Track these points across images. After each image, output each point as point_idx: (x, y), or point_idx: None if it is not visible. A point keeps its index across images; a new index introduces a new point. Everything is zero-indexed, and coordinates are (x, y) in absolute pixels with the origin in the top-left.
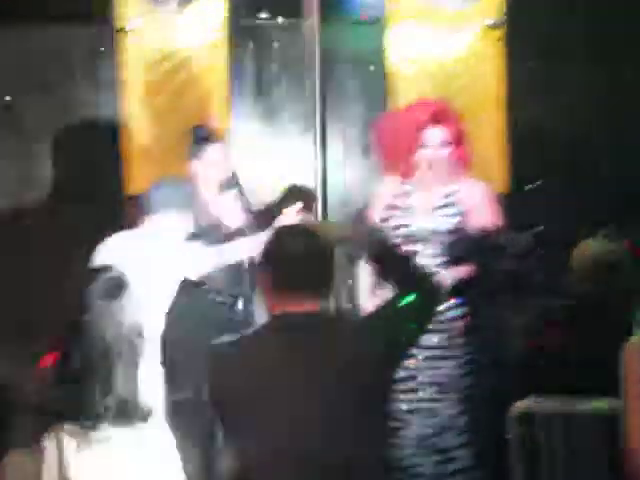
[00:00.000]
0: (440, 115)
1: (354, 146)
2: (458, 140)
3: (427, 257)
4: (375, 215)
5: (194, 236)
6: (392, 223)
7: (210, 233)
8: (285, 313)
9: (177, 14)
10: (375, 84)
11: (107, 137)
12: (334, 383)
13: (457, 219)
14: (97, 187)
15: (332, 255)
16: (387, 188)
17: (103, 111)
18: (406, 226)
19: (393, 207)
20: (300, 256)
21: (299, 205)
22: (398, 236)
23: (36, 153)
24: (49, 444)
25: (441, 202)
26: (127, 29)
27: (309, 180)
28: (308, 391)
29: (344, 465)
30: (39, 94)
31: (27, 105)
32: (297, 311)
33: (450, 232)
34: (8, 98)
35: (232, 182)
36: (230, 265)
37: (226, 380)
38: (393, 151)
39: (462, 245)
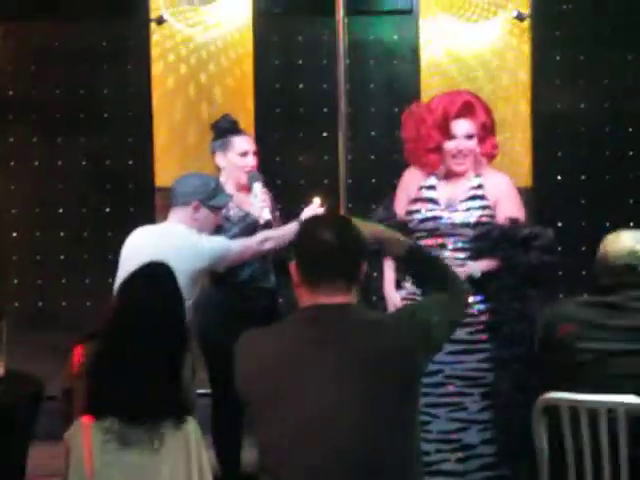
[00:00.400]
0: (467, 107)
1: (380, 138)
2: (485, 132)
3: (452, 250)
4: (400, 208)
5: (221, 228)
6: (417, 216)
7: (238, 225)
8: (316, 305)
9: (205, 7)
10: (403, 76)
11: (138, 129)
12: (364, 376)
13: (482, 212)
14: (128, 179)
15: (363, 246)
16: (414, 180)
17: (133, 104)
18: (431, 219)
19: (418, 200)
20: (331, 247)
21: (319, 199)
22: (423, 229)
23: (66, 144)
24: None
25: (466, 195)
26: (156, 22)
27: (333, 173)
28: (338, 383)
29: (373, 459)
30: (70, 86)
31: (58, 97)
32: (328, 303)
33: (475, 225)
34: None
35: (259, 174)
36: (257, 257)
37: (256, 369)
38: (420, 143)
39: (487, 238)
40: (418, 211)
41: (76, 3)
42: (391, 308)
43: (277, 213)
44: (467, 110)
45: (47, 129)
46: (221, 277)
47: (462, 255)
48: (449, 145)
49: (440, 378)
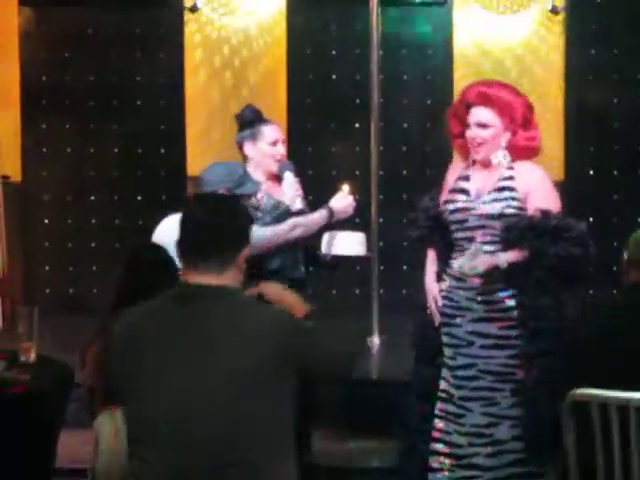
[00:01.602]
0: (482, 96)
1: (412, 130)
2: (515, 125)
3: (481, 243)
4: (441, 198)
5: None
6: (449, 207)
7: (270, 214)
8: (185, 283)
9: None
10: (435, 67)
11: (170, 117)
12: (219, 359)
13: (509, 203)
14: (160, 166)
15: (242, 229)
16: (454, 171)
17: (166, 92)
18: (460, 210)
19: (453, 190)
20: (203, 226)
21: (348, 187)
22: (454, 221)
23: (99, 132)
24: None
25: (495, 186)
26: (190, 10)
27: (365, 164)
28: (192, 364)
29: (230, 448)
30: (103, 74)
31: (91, 84)
32: (196, 282)
33: (500, 216)
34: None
35: (290, 163)
36: (287, 245)
37: (121, 346)
38: (452, 132)
39: (514, 229)
40: (450, 202)
41: None
42: (430, 300)
43: (305, 202)
44: (483, 99)
45: (80, 116)
46: (250, 267)
47: (492, 248)
48: (467, 133)
49: (474, 372)
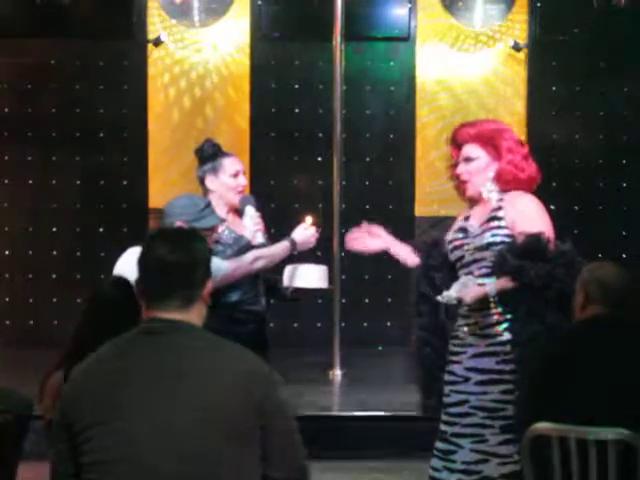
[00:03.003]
0: (469, 132)
1: (375, 164)
2: (496, 153)
3: (478, 276)
4: (446, 238)
5: (212, 250)
6: (449, 246)
7: (231, 247)
8: (148, 318)
9: (202, 30)
10: (398, 102)
11: (133, 150)
12: (190, 397)
13: (499, 232)
14: (122, 199)
15: (204, 265)
16: (461, 213)
17: (129, 124)
18: (458, 248)
19: (455, 230)
20: (165, 263)
21: (311, 218)
22: (454, 259)
23: (62, 164)
24: None
25: (485, 218)
26: (154, 44)
27: (328, 197)
28: (153, 401)
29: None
30: (67, 106)
31: (54, 117)
32: (159, 317)
33: (493, 245)
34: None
35: (252, 197)
36: (248, 278)
37: (94, 383)
38: (453, 177)
39: (499, 254)
40: (450, 241)
41: (74, 22)
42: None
43: (267, 236)
44: (467, 136)
45: (42, 147)
46: (210, 299)
47: (488, 280)
48: (455, 171)
49: (466, 408)
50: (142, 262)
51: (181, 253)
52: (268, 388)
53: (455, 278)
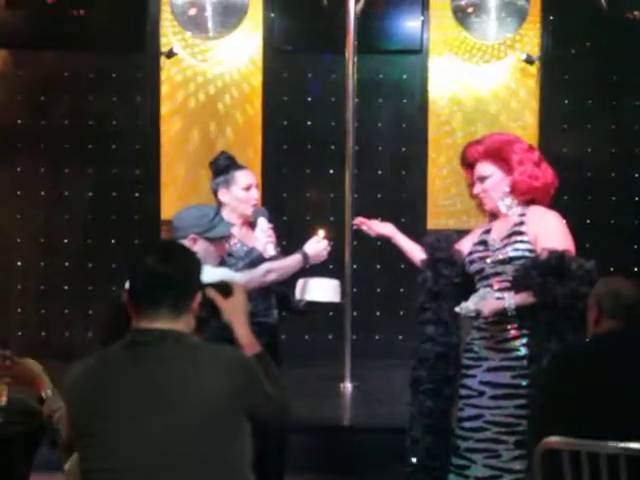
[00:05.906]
0: (479, 150)
1: (387, 177)
2: (508, 166)
3: (498, 290)
4: (458, 248)
5: (223, 262)
6: (468, 258)
7: (243, 260)
8: (136, 329)
9: (215, 43)
10: (411, 115)
11: (145, 162)
12: (166, 403)
13: (521, 246)
14: (134, 211)
15: (194, 277)
16: (480, 227)
17: (142, 136)
18: (477, 261)
19: (475, 243)
20: (154, 274)
21: (323, 232)
22: (474, 271)
23: (74, 175)
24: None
25: (507, 232)
26: (166, 56)
27: (339, 210)
28: (149, 411)
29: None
30: (80, 118)
31: (67, 129)
32: (147, 327)
33: (514, 259)
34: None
35: (264, 210)
36: (261, 290)
37: (76, 396)
38: (471, 194)
39: (522, 270)
40: (470, 254)
41: (87, 34)
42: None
43: (279, 249)
44: (478, 154)
45: (55, 159)
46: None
47: (507, 294)
48: (474, 189)
49: (480, 423)
50: (132, 273)
51: (170, 264)
52: (245, 372)
53: (461, 286)
